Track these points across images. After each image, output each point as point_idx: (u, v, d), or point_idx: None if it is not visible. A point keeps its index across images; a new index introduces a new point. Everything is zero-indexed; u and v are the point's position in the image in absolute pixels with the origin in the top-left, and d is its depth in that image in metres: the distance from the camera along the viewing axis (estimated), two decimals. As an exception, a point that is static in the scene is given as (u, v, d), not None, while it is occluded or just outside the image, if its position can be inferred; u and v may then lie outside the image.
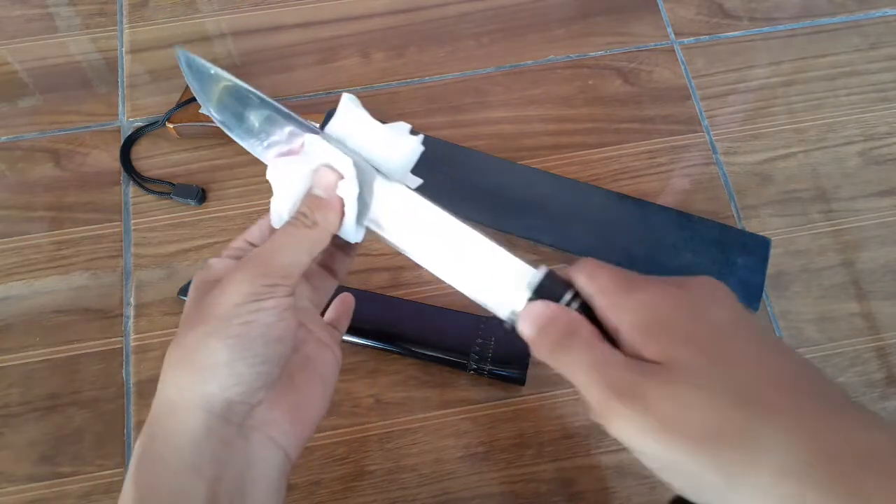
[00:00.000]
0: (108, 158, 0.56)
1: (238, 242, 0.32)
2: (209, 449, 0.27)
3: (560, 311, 0.27)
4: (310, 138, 0.31)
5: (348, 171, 0.30)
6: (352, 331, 0.49)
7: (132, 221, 0.54)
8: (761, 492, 0.21)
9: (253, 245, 0.32)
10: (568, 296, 0.27)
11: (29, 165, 0.56)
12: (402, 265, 0.52)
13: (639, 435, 0.23)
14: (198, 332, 0.27)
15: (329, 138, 0.31)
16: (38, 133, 0.57)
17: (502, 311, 0.29)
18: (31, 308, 0.51)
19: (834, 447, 0.21)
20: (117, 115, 0.58)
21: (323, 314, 0.37)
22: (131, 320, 0.51)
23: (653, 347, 0.24)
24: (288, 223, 0.30)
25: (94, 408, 0.48)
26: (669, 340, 0.24)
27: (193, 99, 0.55)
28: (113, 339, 0.50)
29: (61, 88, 0.59)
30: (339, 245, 0.35)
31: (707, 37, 0.62)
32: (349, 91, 0.59)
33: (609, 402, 0.23)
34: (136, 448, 0.27)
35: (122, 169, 0.55)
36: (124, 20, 0.62)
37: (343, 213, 0.31)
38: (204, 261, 0.31)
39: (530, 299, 0.28)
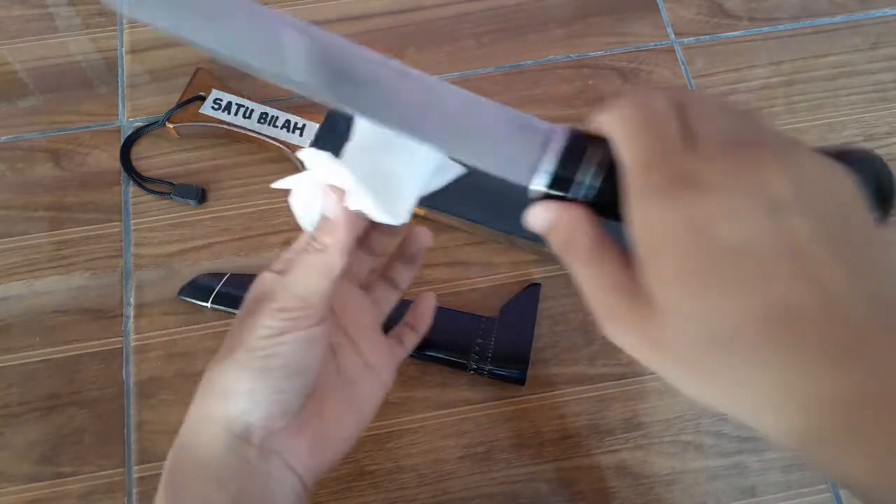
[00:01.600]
0: (108, 158, 0.56)
1: (288, 254, 0.31)
2: (230, 464, 0.28)
3: (560, 216, 0.25)
4: (304, 152, 0.29)
5: (347, 182, 0.28)
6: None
7: (132, 221, 0.54)
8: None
9: None
10: (588, 176, 0.24)
11: (29, 165, 0.56)
12: (402, 265, 0.52)
13: (631, 351, 0.23)
14: (228, 359, 0.28)
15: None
16: (38, 133, 0.57)
17: (525, 181, 0.26)
18: (31, 308, 0.51)
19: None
20: (117, 115, 0.58)
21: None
22: (131, 320, 0.51)
23: (646, 275, 0.22)
24: (302, 250, 0.29)
25: (94, 408, 0.48)
26: (660, 272, 0.22)
27: (193, 99, 0.55)
28: (113, 339, 0.50)
29: (61, 88, 0.59)
30: (400, 253, 0.35)
31: (707, 37, 0.62)
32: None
33: (601, 320, 0.23)
34: (167, 461, 0.29)
35: (122, 169, 0.55)
36: (124, 20, 0.62)
37: (352, 228, 0.29)
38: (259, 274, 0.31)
39: (553, 173, 0.25)
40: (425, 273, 0.52)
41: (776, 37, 0.62)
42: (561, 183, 0.25)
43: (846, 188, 0.22)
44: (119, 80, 0.60)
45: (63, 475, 0.47)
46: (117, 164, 0.56)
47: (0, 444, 0.48)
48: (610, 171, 0.24)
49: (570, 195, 0.25)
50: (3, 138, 0.57)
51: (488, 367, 0.48)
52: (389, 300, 0.36)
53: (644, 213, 0.22)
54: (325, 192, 0.29)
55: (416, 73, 0.27)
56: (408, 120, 0.26)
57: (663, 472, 0.47)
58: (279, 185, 0.30)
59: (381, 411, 0.48)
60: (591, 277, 0.24)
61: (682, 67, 0.60)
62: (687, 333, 0.21)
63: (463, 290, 0.52)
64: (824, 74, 0.60)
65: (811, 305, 0.20)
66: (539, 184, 0.25)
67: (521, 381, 0.48)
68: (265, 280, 0.30)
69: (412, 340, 0.37)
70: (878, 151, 0.57)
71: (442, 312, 0.50)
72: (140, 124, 0.57)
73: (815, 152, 0.22)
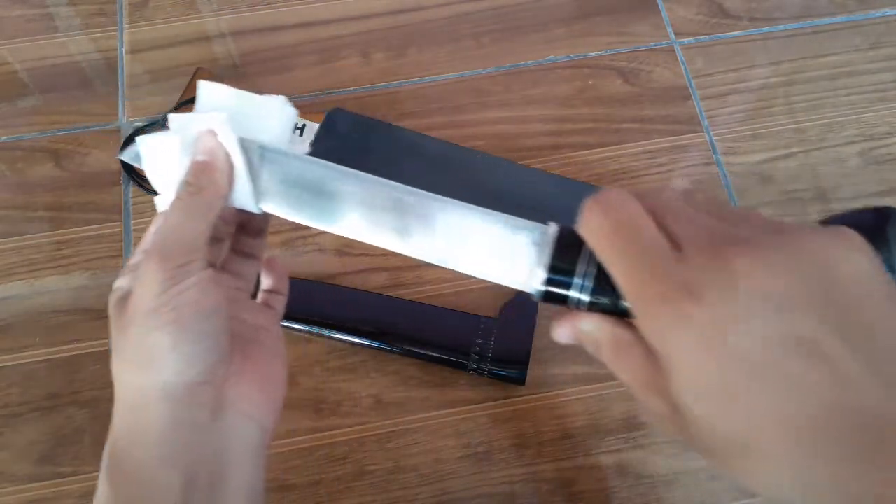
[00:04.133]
0: (108, 158, 0.56)
1: (136, 258, 0.30)
2: (179, 438, 0.27)
3: (575, 329, 0.26)
4: (172, 116, 0.29)
5: (220, 126, 0.28)
6: (352, 331, 0.49)
7: (132, 221, 0.54)
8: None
9: None
10: (579, 278, 0.25)
11: (29, 165, 0.56)
12: (401, 265, 0.52)
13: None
14: (131, 332, 0.27)
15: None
16: (38, 133, 0.57)
17: (520, 286, 0.27)
18: (31, 308, 0.51)
19: None
20: (117, 115, 0.58)
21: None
22: (131, 320, 0.51)
23: (671, 385, 0.22)
24: (174, 199, 0.28)
25: (94, 408, 0.48)
26: (682, 383, 0.22)
27: (193, 99, 0.55)
28: (113, 339, 0.50)
29: (61, 88, 0.59)
30: (245, 229, 0.34)
31: (707, 37, 0.62)
32: (349, 92, 0.59)
33: (640, 409, 0.24)
34: (105, 454, 0.28)
35: (122, 169, 0.55)
36: (124, 20, 0.62)
37: (231, 172, 0.28)
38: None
39: (547, 276, 0.26)
40: (425, 272, 0.52)
41: (776, 37, 0.62)
42: (559, 284, 0.26)
43: (848, 269, 0.21)
44: (119, 80, 0.60)
45: (63, 475, 0.47)
46: (117, 164, 0.56)
47: (0, 444, 0.48)
48: (601, 268, 0.24)
49: (571, 294, 0.25)
50: (3, 138, 0.57)
51: (488, 367, 0.48)
52: (251, 272, 0.34)
53: (653, 324, 0.22)
54: (202, 136, 0.28)
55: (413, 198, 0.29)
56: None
57: (663, 472, 0.47)
58: (144, 141, 0.29)
59: (381, 411, 0.48)
60: (622, 374, 0.24)
61: (682, 67, 0.60)
62: (714, 437, 0.21)
63: (463, 291, 0.52)
64: (824, 74, 0.60)
65: (829, 404, 0.20)
66: (539, 284, 0.26)
67: (521, 381, 0.48)
68: (121, 286, 0.29)
69: (281, 303, 0.36)
70: (878, 151, 0.57)
71: (442, 312, 0.50)
72: (140, 124, 0.57)
73: (806, 234, 0.22)
